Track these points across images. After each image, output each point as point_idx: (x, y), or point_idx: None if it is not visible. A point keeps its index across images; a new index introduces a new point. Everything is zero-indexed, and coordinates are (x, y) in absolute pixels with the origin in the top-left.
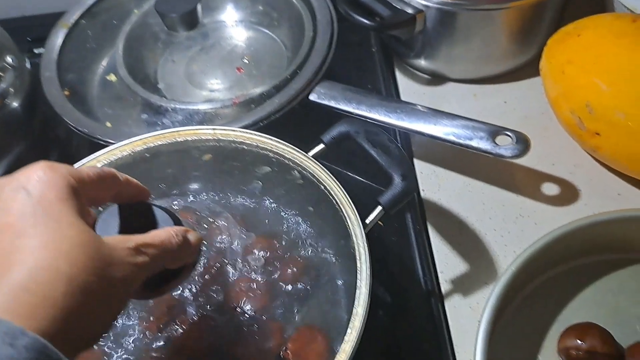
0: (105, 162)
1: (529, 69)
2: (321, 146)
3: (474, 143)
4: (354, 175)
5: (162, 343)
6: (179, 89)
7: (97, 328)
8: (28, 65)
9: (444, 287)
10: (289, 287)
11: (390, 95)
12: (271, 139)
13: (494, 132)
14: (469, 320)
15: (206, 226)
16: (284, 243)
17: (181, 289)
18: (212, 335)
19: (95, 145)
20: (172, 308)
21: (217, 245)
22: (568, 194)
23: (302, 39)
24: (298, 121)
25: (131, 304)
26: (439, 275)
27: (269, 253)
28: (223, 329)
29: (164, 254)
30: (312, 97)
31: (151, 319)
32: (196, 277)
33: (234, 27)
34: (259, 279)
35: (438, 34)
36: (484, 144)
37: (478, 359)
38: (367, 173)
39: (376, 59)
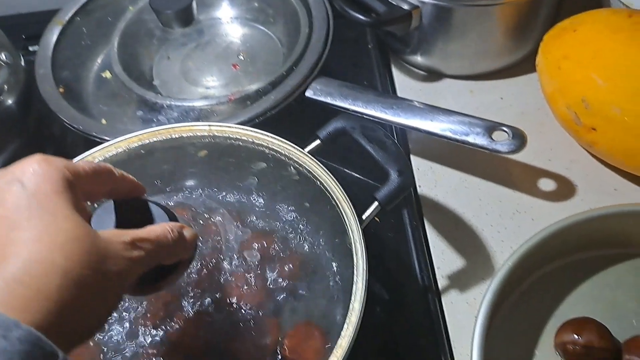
0: (101, 159)
1: (525, 65)
2: (317, 142)
3: (471, 139)
4: (350, 172)
5: (158, 340)
6: (174, 86)
7: (92, 322)
8: (23, 62)
9: (441, 282)
10: (286, 283)
11: (386, 92)
12: (267, 135)
13: (491, 127)
14: (465, 316)
15: (202, 222)
16: (280, 239)
17: (177, 285)
18: (208, 331)
19: (91, 143)
20: (168, 304)
21: (213, 241)
22: (564, 189)
23: (297, 36)
24: (294, 118)
25: (127, 300)
26: (436, 271)
27: (265, 249)
28: (219, 326)
29: (159, 249)
30: (308, 93)
31: (147, 315)
32: (192, 274)
33: (229, 24)
34: (255, 275)
35: (434, 30)
36: (481, 140)
37: (475, 354)
38: (364, 169)
39: (372, 56)
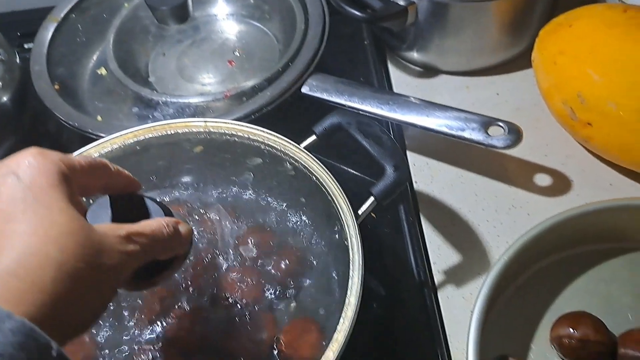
0: (96, 155)
1: (521, 61)
2: (313, 137)
3: (467, 134)
4: (347, 168)
5: (153, 335)
6: (170, 83)
7: (87, 315)
8: (18, 60)
9: (437, 278)
10: (282, 279)
11: (382, 88)
12: (262, 131)
13: (486, 123)
14: (462, 311)
15: (197, 218)
16: (276, 234)
17: (173, 280)
18: (204, 327)
19: (86, 139)
20: (164, 300)
21: (209, 236)
22: (560, 184)
23: (293, 32)
24: (290, 114)
25: (123, 295)
26: (432, 266)
27: (260, 244)
28: (215, 321)
29: (154, 244)
30: (304, 89)
31: (143, 311)
32: (188, 269)
33: (225, 21)
34: (251, 271)
35: (430, 26)
36: (477, 135)
37: (471, 349)
38: (360, 165)
39: (368, 52)
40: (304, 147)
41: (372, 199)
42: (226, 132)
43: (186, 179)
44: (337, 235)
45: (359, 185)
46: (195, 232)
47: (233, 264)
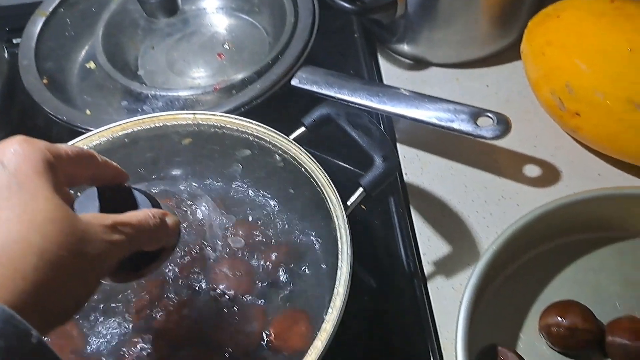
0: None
1: (510, 53)
2: (302, 129)
3: (456, 125)
4: (336, 161)
5: (142, 327)
6: (159, 76)
7: (69, 303)
8: (6, 55)
9: (427, 269)
10: (271, 270)
11: (372, 80)
12: (251, 122)
13: (475, 113)
14: (451, 302)
15: (186, 209)
16: (264, 226)
17: (161, 272)
18: (193, 319)
19: (75, 134)
20: (152, 292)
21: (197, 228)
22: (549, 175)
23: (283, 25)
24: (280, 107)
25: (110, 288)
26: (422, 257)
27: (249, 236)
28: (204, 313)
29: (140, 234)
30: (294, 82)
31: (131, 303)
32: (176, 260)
33: (214, 14)
34: (240, 262)
35: (419, 18)
36: (466, 126)
37: (459, 339)
38: (349, 158)
39: (359, 45)
40: (293, 139)
41: (361, 189)
42: (215, 124)
43: (175, 171)
44: (326, 227)
45: (349, 177)
46: (184, 224)
47: (222, 256)
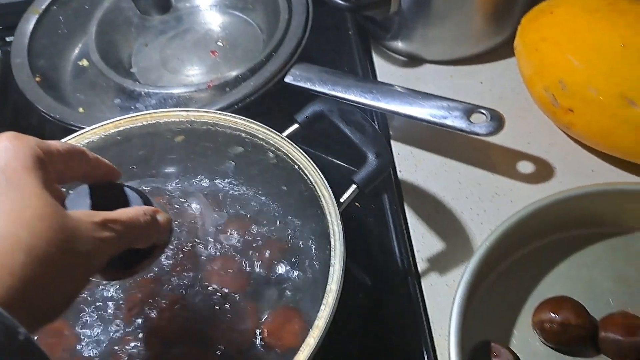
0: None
1: (504, 50)
2: (295, 126)
3: (449, 122)
4: (330, 158)
5: (134, 325)
6: (153, 74)
7: (58, 300)
8: None
9: (421, 266)
10: (264, 267)
11: (366, 77)
12: (244, 120)
13: (469, 110)
14: (445, 298)
15: (178, 207)
16: (257, 223)
17: (153, 270)
18: (185, 316)
19: (68, 132)
20: (144, 290)
21: (190, 226)
22: (543, 171)
23: (277, 22)
24: (273, 104)
25: (102, 286)
26: (416, 254)
27: (242, 233)
28: (197, 310)
29: (130, 231)
30: (288, 79)
31: (123, 301)
32: (169, 258)
33: (208, 11)
34: (233, 260)
35: (413, 15)
36: (459, 122)
37: (453, 335)
38: (343, 155)
39: (353, 42)
40: (286, 136)
41: (354, 186)
42: (208, 121)
43: (167, 168)
44: (319, 224)
45: (342, 174)
46: (176, 222)
47: (214, 253)
